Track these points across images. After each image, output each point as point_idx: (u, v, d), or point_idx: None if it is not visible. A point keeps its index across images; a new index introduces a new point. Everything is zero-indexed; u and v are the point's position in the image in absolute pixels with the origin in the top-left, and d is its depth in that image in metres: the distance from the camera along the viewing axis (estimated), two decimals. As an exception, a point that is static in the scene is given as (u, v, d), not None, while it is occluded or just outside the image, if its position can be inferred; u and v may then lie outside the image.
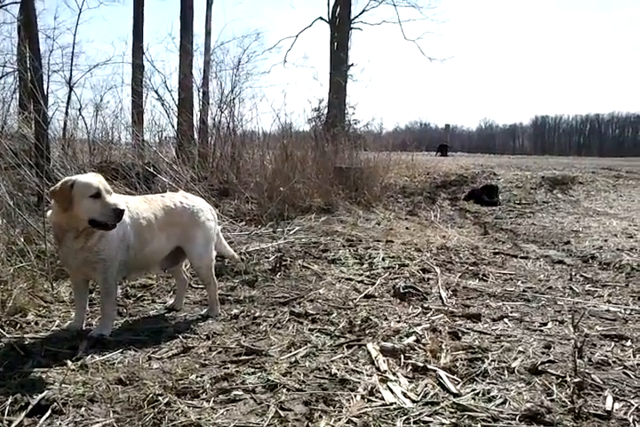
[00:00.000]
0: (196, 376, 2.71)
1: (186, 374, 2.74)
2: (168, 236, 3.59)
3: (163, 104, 12.53)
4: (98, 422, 2.24)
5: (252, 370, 2.81)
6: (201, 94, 13.16)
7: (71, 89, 16.11)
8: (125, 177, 7.75)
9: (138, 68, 15.18)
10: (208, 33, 15.88)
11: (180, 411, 2.33)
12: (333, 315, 3.79)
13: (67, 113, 13.89)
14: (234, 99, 11.98)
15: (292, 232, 6.81)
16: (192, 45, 15.00)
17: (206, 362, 2.93)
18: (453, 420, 2.30)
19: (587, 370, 2.85)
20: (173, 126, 12.02)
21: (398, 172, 13.57)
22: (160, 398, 2.42)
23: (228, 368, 2.83)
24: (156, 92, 12.89)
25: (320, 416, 2.33)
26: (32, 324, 3.47)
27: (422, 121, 65.06)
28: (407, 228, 7.83)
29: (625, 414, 2.42)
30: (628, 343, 3.32)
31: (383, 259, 5.52)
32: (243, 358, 2.98)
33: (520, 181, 13.08)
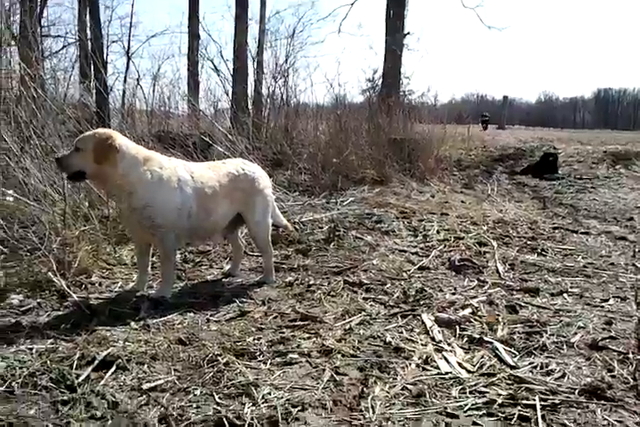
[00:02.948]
0: (253, 339, 2.78)
1: (243, 337, 2.81)
2: (231, 203, 3.64)
3: (218, 74, 12.62)
4: (160, 379, 2.33)
5: (307, 335, 2.85)
6: (256, 64, 13.17)
7: (129, 59, 16.46)
8: (182, 146, 7.89)
9: (194, 37, 15.30)
10: (263, 1, 15.78)
11: (238, 371, 2.40)
12: (387, 285, 3.79)
13: (125, 83, 14.20)
14: (288, 69, 11.94)
15: (345, 203, 6.80)
16: (247, 14, 14.97)
17: (262, 326, 2.99)
18: (510, 391, 2.27)
19: (650, 348, 2.76)
20: (228, 96, 12.09)
21: (453, 144, 13.29)
22: (219, 358, 2.50)
23: (283, 333, 2.88)
24: (212, 61, 12.98)
25: (375, 382, 2.35)
26: (96, 285, 3.63)
27: (479, 93, 63.20)
28: (462, 201, 7.69)
29: (691, 393, 2.34)
30: (695, 322, 3.19)
31: (438, 231, 5.45)
32: (298, 323, 3.02)
33: (581, 156, 12.61)
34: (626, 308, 3.41)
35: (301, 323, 3.02)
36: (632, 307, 3.40)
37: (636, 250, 4.87)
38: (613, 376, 2.47)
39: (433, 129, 11.66)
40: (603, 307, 3.42)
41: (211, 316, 3.16)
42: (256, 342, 2.74)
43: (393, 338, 2.82)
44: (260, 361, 2.54)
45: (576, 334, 2.93)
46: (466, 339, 2.85)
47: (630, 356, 2.65)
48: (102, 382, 2.29)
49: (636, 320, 3.05)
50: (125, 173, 3.22)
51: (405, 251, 4.79)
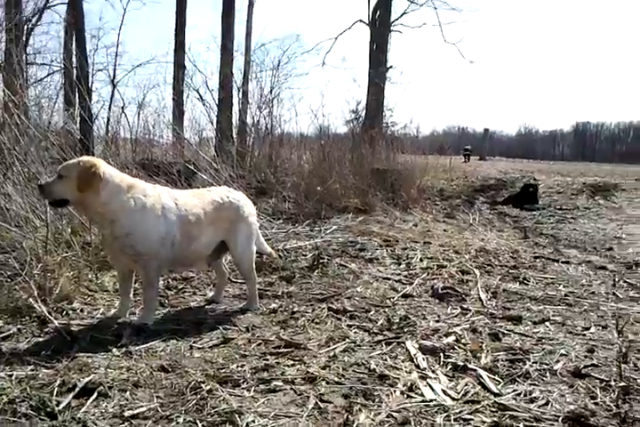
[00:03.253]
0: (237, 366, 2.75)
1: (227, 364, 2.78)
2: (215, 230, 3.64)
3: (203, 103, 12.76)
4: (142, 406, 2.29)
5: (292, 362, 2.83)
6: (241, 94, 13.33)
7: (114, 87, 16.56)
8: (167, 174, 7.90)
9: (180, 67, 15.48)
10: (249, 34, 16.10)
11: (221, 398, 2.37)
12: (371, 312, 3.79)
13: (110, 111, 14.26)
14: (273, 99, 12.10)
15: (329, 231, 6.83)
16: (233, 46, 15.24)
17: (246, 353, 2.97)
18: (495, 418, 2.27)
19: (632, 375, 2.79)
20: (213, 125, 12.20)
21: (435, 175, 13.50)
22: (202, 385, 2.47)
23: (267, 360, 2.86)
24: (197, 91, 13.12)
25: (360, 410, 2.34)
26: (77, 311, 3.57)
27: (460, 125, 64.33)
28: (445, 230, 7.76)
29: (672, 420, 2.36)
30: (674, 351, 3.23)
31: (421, 259, 5.49)
32: (282, 350, 3.00)
33: (561, 187, 12.86)
34: (607, 336, 3.45)
35: (285, 350, 3.00)
36: (613, 335, 3.43)
37: (616, 279, 4.95)
38: (596, 404, 2.48)
39: (415, 160, 11.86)
40: (584, 335, 3.46)
41: (194, 343, 3.13)
42: (240, 369, 2.71)
43: (377, 365, 2.81)
44: (243, 388, 2.51)
45: (559, 361, 2.95)
46: (450, 366, 2.85)
47: (612, 383, 2.67)
48: (83, 410, 2.25)
49: (618, 348, 3.07)
50: (108, 200, 3.21)
51: (389, 278, 4.81)
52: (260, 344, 3.12)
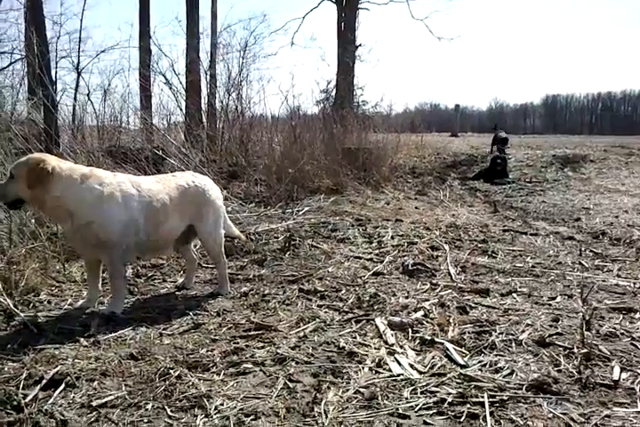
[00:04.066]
0: (207, 351, 2.76)
1: (196, 349, 2.79)
2: (181, 215, 3.61)
3: (170, 88, 12.53)
4: (111, 395, 2.28)
5: (262, 344, 2.85)
6: (208, 77, 13.12)
7: (79, 74, 16.17)
8: (135, 161, 7.80)
9: (145, 52, 15.15)
10: (214, 15, 15.74)
11: (190, 383, 2.38)
12: (342, 292, 3.82)
13: (75, 98, 13.95)
14: (241, 81, 11.93)
15: (301, 213, 6.83)
16: (199, 28, 14.94)
17: (216, 337, 2.98)
18: (460, 390, 2.32)
19: (594, 342, 2.87)
20: (181, 110, 12.01)
21: (408, 152, 13.50)
22: (171, 371, 2.47)
23: (237, 343, 2.87)
24: (164, 75, 12.87)
25: (328, 387, 2.37)
26: (45, 303, 3.54)
27: (432, 102, 64.30)
28: (416, 207, 7.82)
29: (632, 383, 2.44)
30: (637, 316, 3.33)
31: (392, 237, 5.53)
32: (252, 333, 3.02)
33: (531, 160, 12.98)
34: (572, 305, 3.53)
35: (256, 333, 3.01)
36: (578, 304, 3.52)
37: (583, 249, 5.05)
38: (559, 371, 2.55)
39: (387, 138, 11.84)
40: (550, 305, 3.53)
41: (164, 329, 3.12)
42: (209, 353, 2.72)
43: (347, 343, 2.84)
44: (213, 372, 2.52)
45: (524, 331, 3.01)
46: (418, 341, 2.90)
47: (575, 350, 2.74)
48: (50, 401, 2.24)
49: (581, 316, 3.15)
50: (62, 194, 3.16)
51: (360, 257, 4.84)
52: (230, 328, 3.13)
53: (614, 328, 3.08)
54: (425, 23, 23.27)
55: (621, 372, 2.53)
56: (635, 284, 4.02)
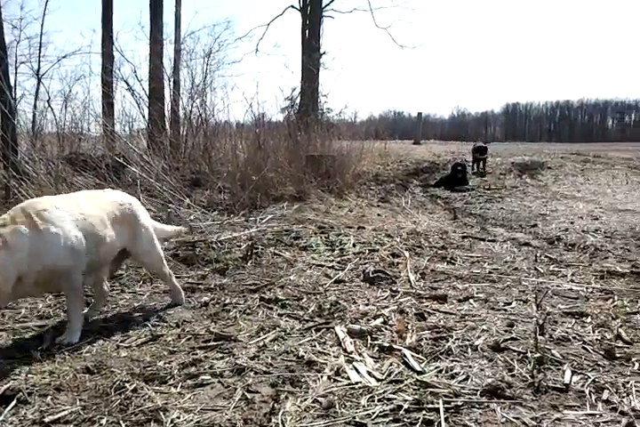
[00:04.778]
0: (164, 363, 2.73)
1: (154, 362, 2.76)
2: (118, 232, 3.34)
3: (133, 94, 12.38)
4: (64, 411, 2.24)
5: (221, 355, 2.84)
6: (172, 84, 13.01)
7: (39, 80, 15.80)
8: (95, 168, 7.69)
9: (107, 57, 14.93)
10: (178, 21, 15.64)
11: (147, 397, 2.35)
12: (303, 300, 3.83)
13: (35, 105, 13.64)
14: (205, 88, 11.89)
15: (264, 221, 6.81)
16: (162, 34, 14.82)
17: (175, 349, 2.95)
18: (416, 396, 2.35)
19: (547, 346, 2.94)
20: (144, 117, 11.89)
21: (371, 160, 13.64)
22: (127, 384, 2.44)
23: (196, 354, 2.85)
24: (126, 82, 12.73)
25: (286, 397, 2.37)
26: (-2, 316, 3.45)
27: (396, 110, 65.06)
28: (379, 214, 7.91)
29: (582, 386, 2.51)
30: (589, 320, 3.42)
31: (354, 245, 5.57)
32: (211, 343, 3.00)
33: (490, 167, 13.25)
34: (527, 310, 3.62)
35: (215, 343, 3.00)
36: (532, 309, 3.60)
37: (538, 254, 5.18)
38: (513, 375, 2.61)
39: (351, 145, 11.94)
40: (506, 310, 3.61)
41: (121, 342, 3.08)
42: (167, 365, 2.70)
43: (306, 352, 2.85)
44: (170, 385, 2.50)
45: (480, 337, 3.07)
46: (377, 348, 2.93)
47: (529, 355, 2.81)
48: (1, 419, 2.18)
49: (535, 321, 3.24)
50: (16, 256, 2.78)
51: (322, 265, 4.86)
52: (189, 339, 3.11)
53: (567, 332, 3.17)
54: (388, 32, 23.63)
55: (572, 375, 2.60)
56: (587, 288, 4.14)
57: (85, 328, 3.23)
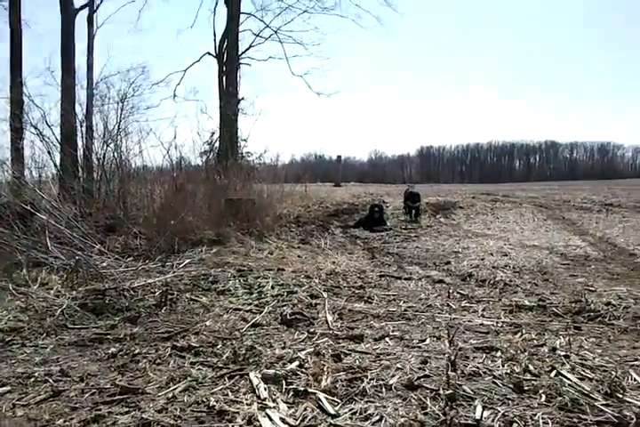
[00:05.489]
0: (64, 421, 2.55)
1: (53, 420, 2.57)
2: None
3: (42, 140, 11.97)
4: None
5: (126, 409, 2.68)
6: (84, 129, 12.71)
7: (-58, 126, 14.98)
8: (1, 216, 7.29)
9: (15, 103, 14.44)
10: (90, 66, 15.47)
11: (41, 460, 2.17)
12: (218, 346, 3.72)
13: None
14: (119, 133, 11.69)
15: (181, 265, 6.65)
16: (74, 79, 14.57)
17: (77, 405, 2.76)
18: (330, 440, 2.31)
19: (459, 382, 2.99)
20: (55, 163, 11.49)
21: (292, 202, 13.75)
22: (20, 447, 2.25)
23: (100, 410, 2.68)
24: (35, 127, 12.29)
25: (195, 450, 2.27)
26: None
27: (317, 153, 66.51)
28: (299, 256, 7.92)
29: (492, 421, 2.55)
30: (498, 354, 3.51)
31: (273, 287, 5.52)
32: (117, 397, 2.83)
33: (407, 208, 13.67)
34: (440, 346, 3.68)
35: (121, 397, 2.84)
36: (445, 345, 3.68)
37: (451, 291, 5.34)
38: (426, 413, 2.62)
39: (272, 188, 12.03)
40: (420, 347, 3.66)
41: (18, 400, 2.85)
42: (66, 424, 2.52)
43: (218, 401, 2.75)
44: (68, 445, 2.33)
45: (394, 375, 3.08)
46: (291, 393, 2.87)
47: (441, 392, 2.84)
48: None
49: (447, 357, 3.30)
50: None
51: (240, 309, 4.77)
52: (93, 394, 2.92)
53: (477, 367, 3.24)
54: (304, 79, 24.23)
55: (483, 410, 2.64)
56: (497, 323, 4.29)
57: (-23, 388, 2.99)
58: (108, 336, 4.00)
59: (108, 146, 11.32)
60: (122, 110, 12.57)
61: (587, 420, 2.55)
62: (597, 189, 18.12)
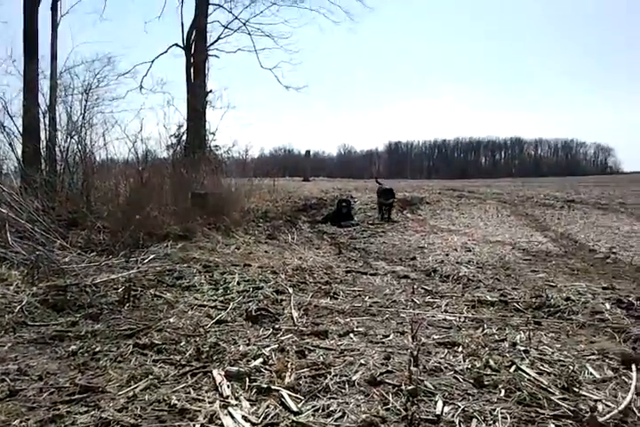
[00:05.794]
0: (20, 422, 2.49)
1: (9, 420, 2.51)
2: None
3: (3, 131, 11.64)
4: None
5: (85, 409, 2.64)
6: (47, 120, 12.41)
7: None
8: (-44, 211, 7.07)
9: (-25, 93, 13.98)
10: (54, 56, 15.07)
11: (-5, 462, 2.12)
12: (181, 343, 3.68)
13: None
14: (83, 125, 11.45)
15: (146, 261, 6.56)
16: (37, 69, 14.18)
17: (34, 405, 2.70)
18: (291, 438, 2.32)
19: (421, 377, 3.03)
20: (16, 155, 11.19)
21: (260, 197, 13.71)
22: (-27, 450, 2.20)
23: (58, 409, 2.63)
24: (-4, 118, 11.94)
25: (155, 450, 2.24)
26: None
27: (287, 147, 66.40)
28: (266, 251, 7.89)
29: (453, 416, 2.59)
30: (460, 349, 3.56)
31: (238, 283, 5.50)
32: (76, 396, 2.78)
33: (374, 203, 13.75)
34: (403, 342, 3.71)
35: (80, 396, 2.78)
36: (408, 340, 3.72)
37: (415, 286, 5.40)
38: (388, 409, 2.64)
39: (240, 182, 11.95)
40: (384, 343, 3.69)
41: (-28, 402, 2.78)
42: (23, 424, 2.46)
43: (179, 400, 2.72)
44: (24, 446, 2.28)
45: (357, 371, 3.10)
46: (255, 390, 2.86)
47: (403, 387, 2.87)
48: None
49: (410, 353, 3.33)
50: None
51: (205, 305, 4.73)
52: (52, 393, 2.86)
53: (439, 362, 3.28)
54: (273, 72, 24.02)
55: (444, 406, 2.68)
56: (460, 318, 4.35)
57: None
58: (69, 334, 3.92)
59: (71, 138, 11.09)
60: (86, 101, 12.36)
61: (544, 414, 2.61)
62: (560, 186, 18.55)
